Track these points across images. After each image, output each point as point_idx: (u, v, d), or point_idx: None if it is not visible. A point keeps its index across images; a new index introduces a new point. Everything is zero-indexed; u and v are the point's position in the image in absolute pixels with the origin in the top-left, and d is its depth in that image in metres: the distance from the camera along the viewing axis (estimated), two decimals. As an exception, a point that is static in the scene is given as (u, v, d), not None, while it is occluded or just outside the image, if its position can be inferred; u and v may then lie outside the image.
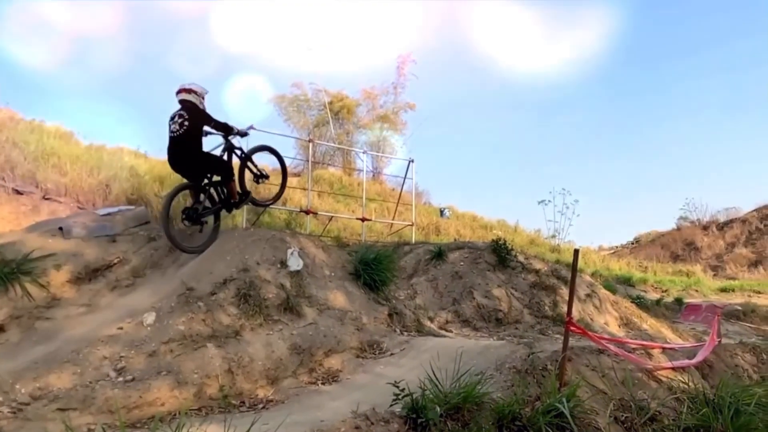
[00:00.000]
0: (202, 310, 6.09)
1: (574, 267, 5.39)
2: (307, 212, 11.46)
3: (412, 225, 13.20)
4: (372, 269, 7.85)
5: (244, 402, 5.47)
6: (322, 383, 5.98)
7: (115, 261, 7.38)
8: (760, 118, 47.09)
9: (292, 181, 16.87)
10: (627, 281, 18.35)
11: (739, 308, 15.32)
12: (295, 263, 7.21)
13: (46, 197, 10.60)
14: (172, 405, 5.14)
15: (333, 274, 7.61)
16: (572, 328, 5.32)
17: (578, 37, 45.08)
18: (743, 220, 28.31)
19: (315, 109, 24.26)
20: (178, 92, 7.30)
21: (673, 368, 6.04)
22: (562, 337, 5.37)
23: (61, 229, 7.55)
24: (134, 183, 11.94)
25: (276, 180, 9.31)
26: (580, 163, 48.32)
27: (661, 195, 47.95)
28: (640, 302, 13.28)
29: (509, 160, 49.71)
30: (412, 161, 12.84)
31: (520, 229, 22.84)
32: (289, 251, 7.30)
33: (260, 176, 8.56)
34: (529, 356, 5.47)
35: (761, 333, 12.88)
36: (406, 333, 7.31)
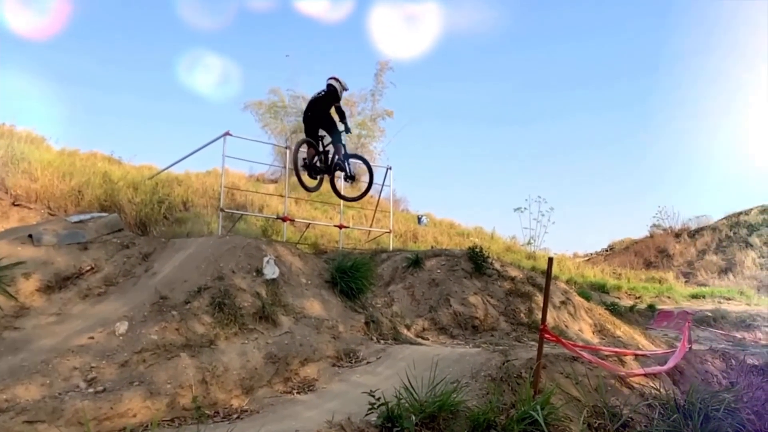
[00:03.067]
0: (175, 319, 6.02)
1: (548, 275, 5.46)
2: (283, 219, 11.41)
3: (389, 232, 13.22)
4: (349, 277, 7.84)
5: (218, 412, 5.41)
6: (298, 393, 5.95)
7: (87, 269, 7.25)
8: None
9: (268, 188, 16.81)
10: (601, 288, 18.59)
11: (710, 315, 15.66)
12: (271, 271, 7.17)
13: (15, 203, 10.36)
14: (144, 416, 5.06)
15: (309, 282, 7.58)
16: (547, 335, 5.38)
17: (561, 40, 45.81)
18: (713, 228, 28.91)
19: (292, 115, 24.19)
20: (329, 78, 9.41)
21: (645, 375, 6.13)
22: (537, 345, 5.42)
23: (30, 236, 7.40)
24: (107, 189, 11.74)
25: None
26: (556, 170, 48.92)
27: (635, 203, 48.79)
28: (613, 309, 13.46)
29: (487, 167, 50.15)
30: (390, 168, 12.88)
31: (497, 237, 23.02)
32: (265, 259, 7.26)
33: (350, 177, 9.94)
34: (504, 364, 5.51)
35: (730, 339, 13.17)
36: (382, 341, 7.31)
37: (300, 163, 9.44)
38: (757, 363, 7.89)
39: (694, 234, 29.24)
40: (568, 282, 15.70)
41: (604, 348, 7.09)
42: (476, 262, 10.30)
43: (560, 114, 50.08)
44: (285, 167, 12.82)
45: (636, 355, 6.78)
